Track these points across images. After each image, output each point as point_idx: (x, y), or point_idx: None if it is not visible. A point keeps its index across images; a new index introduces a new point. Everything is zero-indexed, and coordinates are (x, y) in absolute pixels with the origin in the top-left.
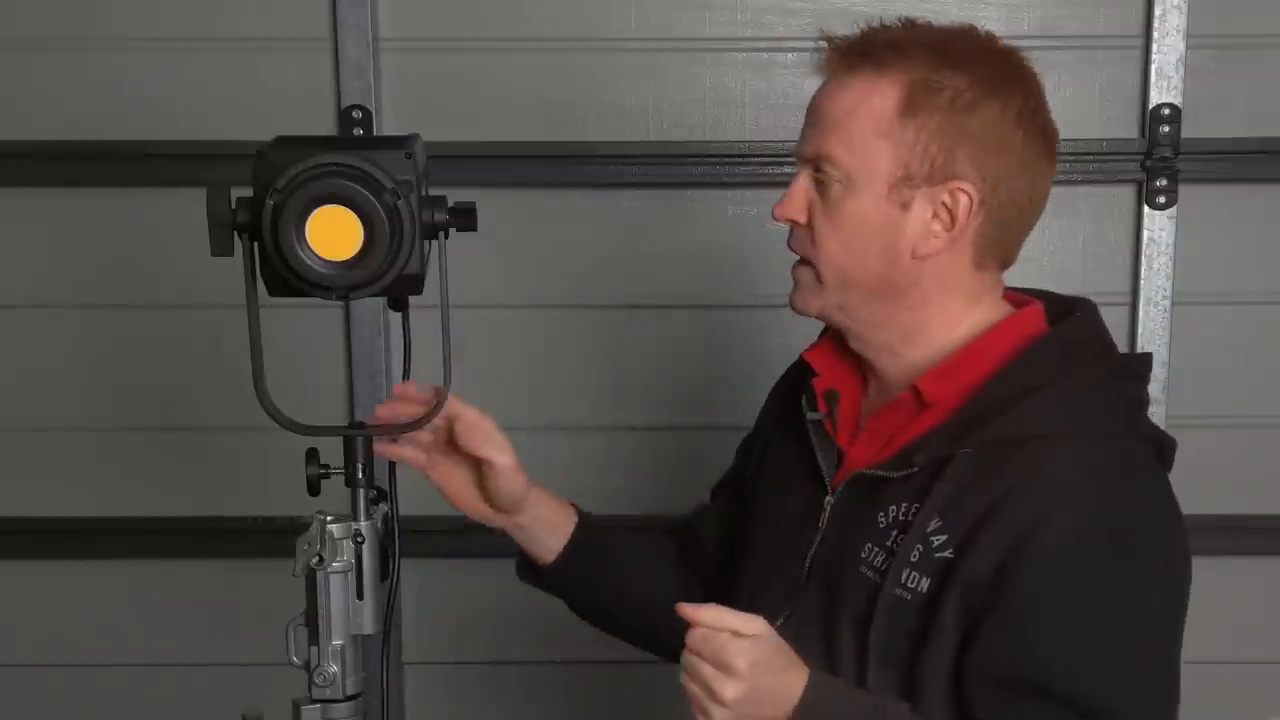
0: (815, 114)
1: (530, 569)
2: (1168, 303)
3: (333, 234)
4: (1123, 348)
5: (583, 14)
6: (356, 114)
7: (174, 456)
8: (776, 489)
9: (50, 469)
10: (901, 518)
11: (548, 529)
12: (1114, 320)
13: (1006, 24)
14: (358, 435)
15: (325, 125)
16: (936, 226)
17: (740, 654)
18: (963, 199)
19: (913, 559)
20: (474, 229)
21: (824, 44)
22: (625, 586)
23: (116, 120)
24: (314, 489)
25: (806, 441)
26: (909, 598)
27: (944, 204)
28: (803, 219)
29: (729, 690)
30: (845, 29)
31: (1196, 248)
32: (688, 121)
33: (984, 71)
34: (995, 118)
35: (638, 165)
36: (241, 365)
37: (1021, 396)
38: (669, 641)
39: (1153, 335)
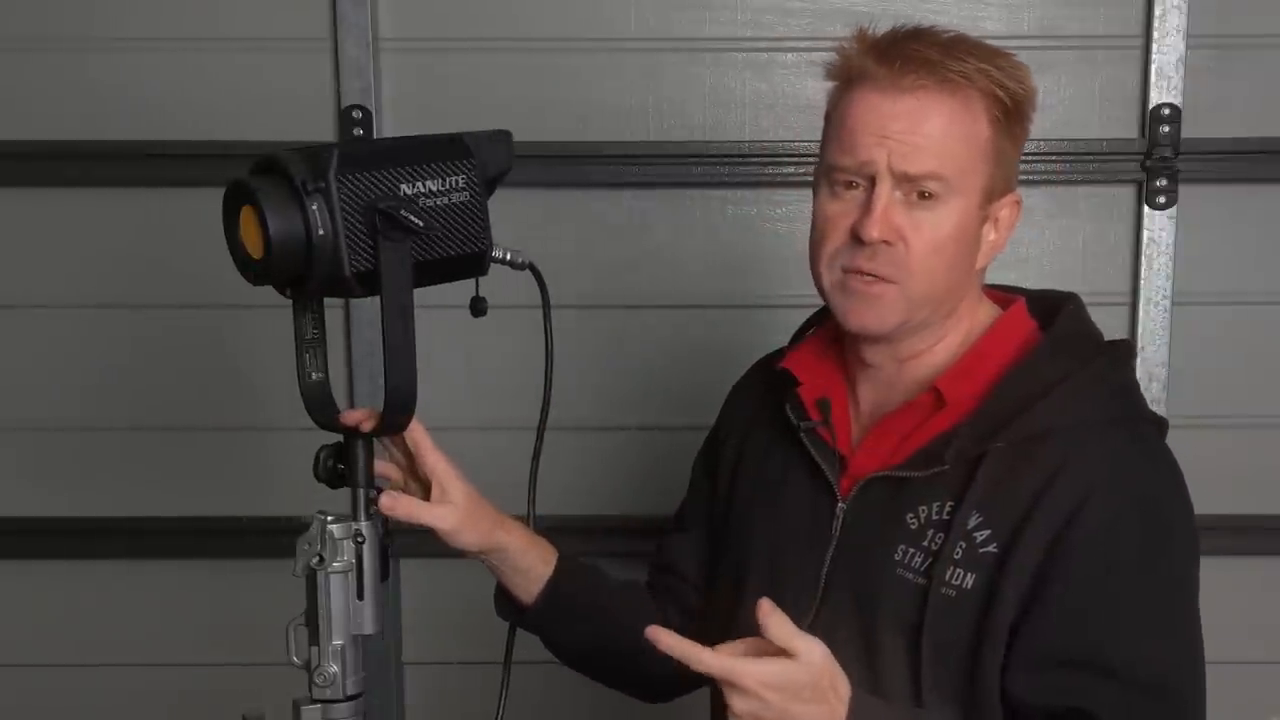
0: (896, 129)
1: (509, 607)
2: (1168, 303)
3: (251, 232)
4: None
5: (583, 14)
6: (356, 114)
7: (174, 456)
8: (767, 501)
9: (50, 469)
10: (937, 516)
11: (523, 571)
12: (1114, 320)
13: (1006, 24)
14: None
15: (325, 125)
16: (993, 236)
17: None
18: (1012, 209)
19: (956, 556)
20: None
21: (864, 55)
22: (604, 629)
23: (116, 120)
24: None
25: (796, 450)
26: (954, 595)
27: (997, 217)
28: (895, 238)
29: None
30: (846, 29)
31: (1196, 248)
32: (688, 122)
33: (1027, 84)
34: (1029, 130)
35: (638, 165)
36: (241, 365)
37: (1042, 393)
38: (645, 683)
39: (1153, 335)
